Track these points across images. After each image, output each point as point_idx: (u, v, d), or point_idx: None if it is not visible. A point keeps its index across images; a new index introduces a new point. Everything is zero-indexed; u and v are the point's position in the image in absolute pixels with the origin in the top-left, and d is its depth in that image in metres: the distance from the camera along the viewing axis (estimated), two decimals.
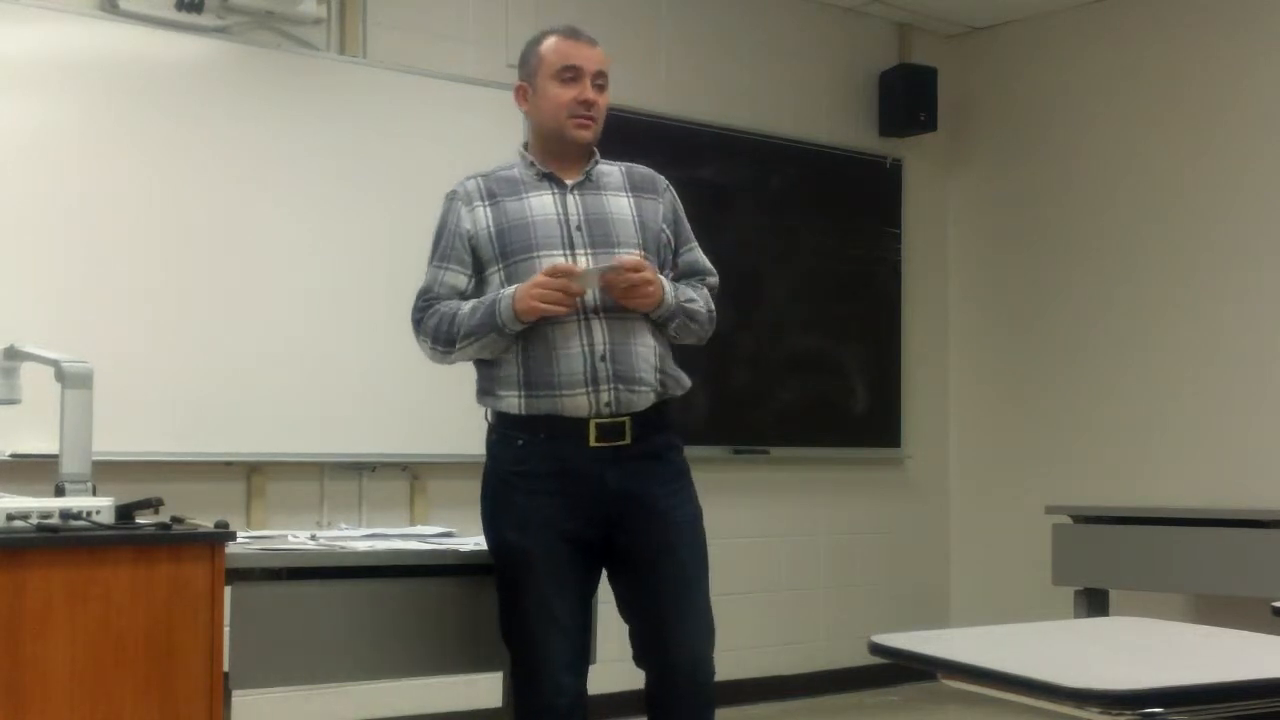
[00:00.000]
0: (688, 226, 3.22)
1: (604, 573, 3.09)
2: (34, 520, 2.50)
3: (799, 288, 6.17)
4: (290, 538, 3.33)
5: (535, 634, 2.99)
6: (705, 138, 5.86)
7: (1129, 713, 1.69)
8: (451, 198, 3.11)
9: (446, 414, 4.98)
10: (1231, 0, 5.78)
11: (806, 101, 6.27)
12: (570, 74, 3.06)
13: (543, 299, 2.89)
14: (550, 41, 3.10)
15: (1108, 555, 5.26)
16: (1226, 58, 5.78)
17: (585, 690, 3.03)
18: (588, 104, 3.06)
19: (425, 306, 3.07)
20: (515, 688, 3.05)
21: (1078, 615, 5.27)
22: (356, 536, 3.44)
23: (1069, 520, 5.42)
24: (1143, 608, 5.06)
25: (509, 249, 3.01)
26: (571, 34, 3.12)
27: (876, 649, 2.09)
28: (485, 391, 3.06)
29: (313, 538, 3.33)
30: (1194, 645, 2.27)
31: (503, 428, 3.03)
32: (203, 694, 2.60)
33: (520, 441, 2.99)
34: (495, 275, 3.03)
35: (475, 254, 3.05)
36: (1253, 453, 5.58)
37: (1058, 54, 6.36)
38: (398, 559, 3.16)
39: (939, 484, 6.69)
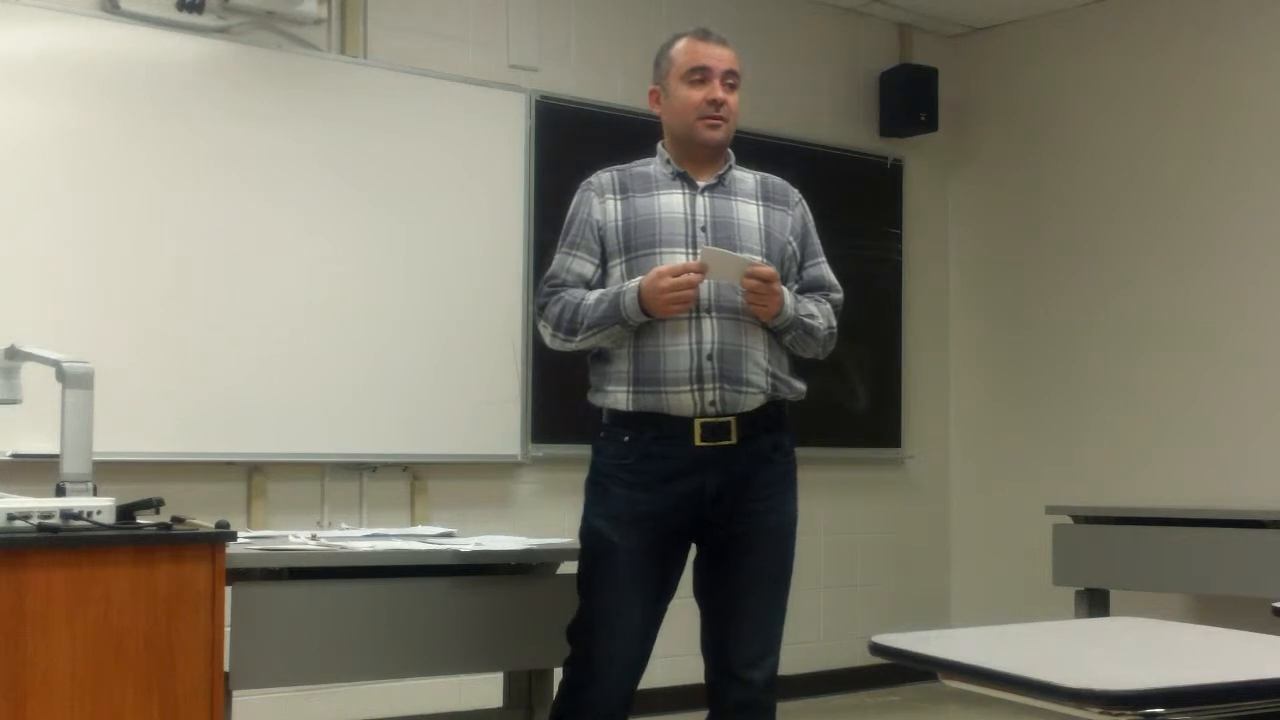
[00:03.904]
0: (817, 241, 3.23)
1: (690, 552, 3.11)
2: (35, 520, 2.51)
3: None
4: (291, 538, 3.34)
5: (598, 633, 3.00)
6: None
7: (1130, 713, 1.69)
8: (585, 187, 3.14)
9: (447, 414, 5.00)
10: (1232, 0, 5.78)
11: (807, 102, 6.27)
12: (699, 75, 3.09)
13: (677, 300, 2.90)
14: (680, 44, 3.15)
15: (1108, 555, 5.25)
16: (1227, 57, 5.77)
17: (633, 695, 3.04)
18: (717, 104, 3.08)
19: (550, 293, 3.08)
20: (566, 678, 3.05)
21: (1078, 615, 5.26)
22: (357, 537, 3.45)
23: (1069, 520, 5.41)
24: (1143, 608, 5.05)
25: (633, 243, 3.05)
26: (701, 35, 3.16)
27: (876, 649, 2.09)
28: (596, 388, 3.08)
29: (313, 538, 3.34)
30: (1194, 645, 2.26)
31: (610, 423, 3.05)
32: (203, 694, 2.60)
33: (626, 437, 3.01)
34: (617, 268, 3.05)
35: (602, 244, 3.08)
36: (1253, 453, 5.57)
37: (1058, 54, 6.36)
38: (398, 559, 3.16)
39: (939, 484, 6.69)
